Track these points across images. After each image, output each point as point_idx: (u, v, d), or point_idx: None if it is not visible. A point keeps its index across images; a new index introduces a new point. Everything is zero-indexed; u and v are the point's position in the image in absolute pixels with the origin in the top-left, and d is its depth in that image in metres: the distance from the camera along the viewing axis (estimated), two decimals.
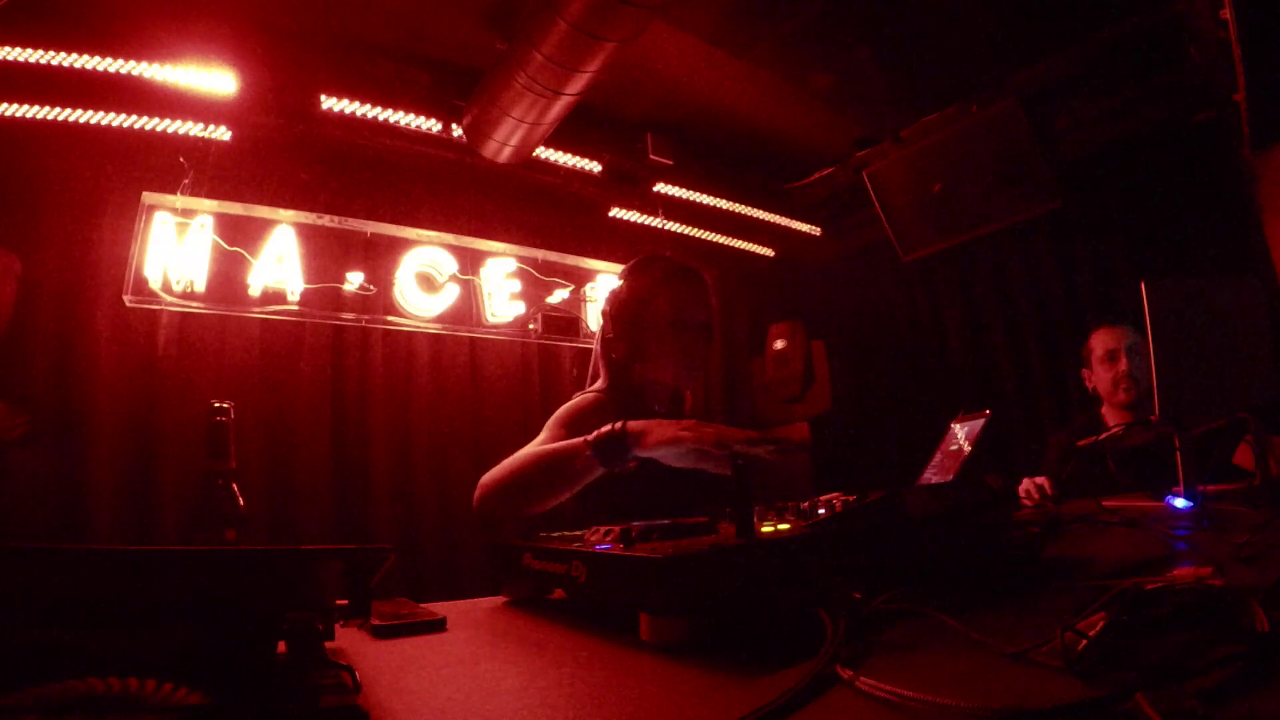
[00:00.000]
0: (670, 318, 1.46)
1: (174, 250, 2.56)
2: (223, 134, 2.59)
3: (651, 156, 3.27)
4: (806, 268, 4.32)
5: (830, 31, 2.65)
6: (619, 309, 1.49)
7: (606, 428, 1.11)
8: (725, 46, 2.74)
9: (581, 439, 1.14)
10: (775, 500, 0.92)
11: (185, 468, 2.45)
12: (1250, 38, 1.84)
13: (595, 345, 1.57)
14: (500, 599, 1.01)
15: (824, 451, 3.69)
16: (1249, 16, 1.79)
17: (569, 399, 1.51)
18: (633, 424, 1.11)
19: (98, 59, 2.31)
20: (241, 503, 1.01)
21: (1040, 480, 1.86)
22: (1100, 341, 2.33)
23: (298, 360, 2.81)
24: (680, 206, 3.59)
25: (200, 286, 2.59)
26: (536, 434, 1.40)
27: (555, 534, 1.06)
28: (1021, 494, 1.86)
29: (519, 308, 3.28)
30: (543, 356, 3.43)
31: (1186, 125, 2.88)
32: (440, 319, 3.12)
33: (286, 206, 2.84)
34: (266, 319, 2.74)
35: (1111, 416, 2.32)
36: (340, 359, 2.92)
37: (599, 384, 1.53)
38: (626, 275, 1.54)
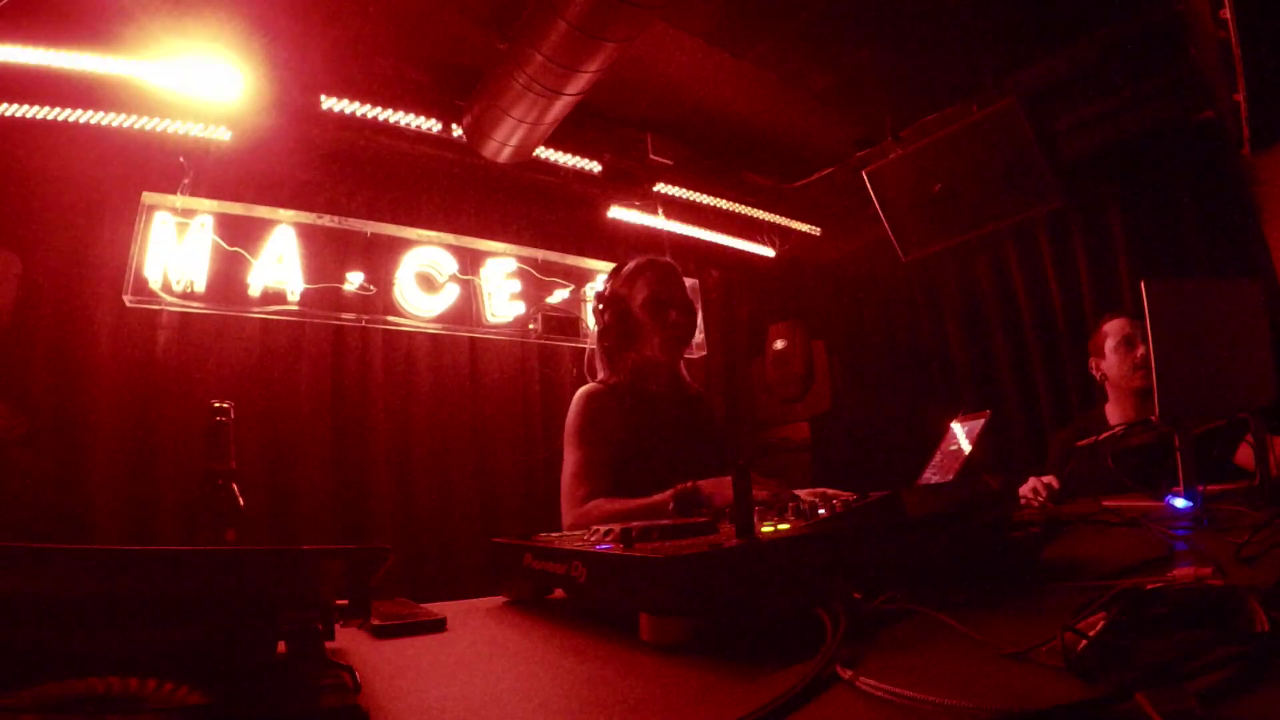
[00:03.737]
0: (650, 298, 1.65)
1: (174, 250, 2.56)
2: (223, 134, 2.59)
3: (651, 156, 3.26)
4: (806, 268, 4.32)
5: (830, 31, 2.64)
6: (607, 301, 1.70)
7: (685, 488, 1.34)
8: (725, 46, 2.73)
9: (667, 497, 1.34)
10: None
11: (185, 468, 2.45)
12: (1250, 38, 1.83)
13: (590, 343, 1.75)
14: (500, 599, 1.01)
15: (824, 451, 3.69)
16: (1249, 16, 1.79)
17: (569, 399, 1.66)
18: (704, 485, 1.33)
19: (98, 59, 2.31)
20: (241, 503, 1.01)
21: (1048, 479, 1.86)
22: (1116, 328, 2.33)
23: (298, 360, 2.81)
24: (680, 206, 3.59)
25: (200, 286, 2.59)
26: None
27: (555, 534, 1.07)
28: (1028, 493, 1.85)
29: (519, 308, 3.28)
30: (543, 356, 3.43)
31: (1186, 125, 2.88)
32: (440, 319, 3.12)
33: (286, 206, 2.84)
34: (266, 319, 2.74)
35: (1115, 414, 2.32)
36: (340, 359, 2.92)
37: (600, 376, 1.71)
38: (610, 277, 1.77)
